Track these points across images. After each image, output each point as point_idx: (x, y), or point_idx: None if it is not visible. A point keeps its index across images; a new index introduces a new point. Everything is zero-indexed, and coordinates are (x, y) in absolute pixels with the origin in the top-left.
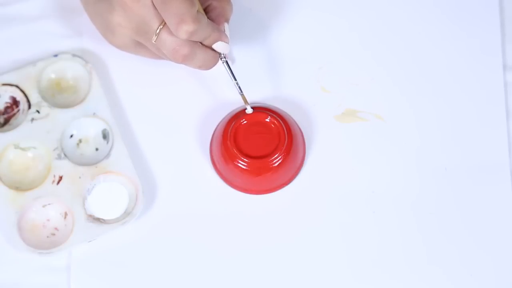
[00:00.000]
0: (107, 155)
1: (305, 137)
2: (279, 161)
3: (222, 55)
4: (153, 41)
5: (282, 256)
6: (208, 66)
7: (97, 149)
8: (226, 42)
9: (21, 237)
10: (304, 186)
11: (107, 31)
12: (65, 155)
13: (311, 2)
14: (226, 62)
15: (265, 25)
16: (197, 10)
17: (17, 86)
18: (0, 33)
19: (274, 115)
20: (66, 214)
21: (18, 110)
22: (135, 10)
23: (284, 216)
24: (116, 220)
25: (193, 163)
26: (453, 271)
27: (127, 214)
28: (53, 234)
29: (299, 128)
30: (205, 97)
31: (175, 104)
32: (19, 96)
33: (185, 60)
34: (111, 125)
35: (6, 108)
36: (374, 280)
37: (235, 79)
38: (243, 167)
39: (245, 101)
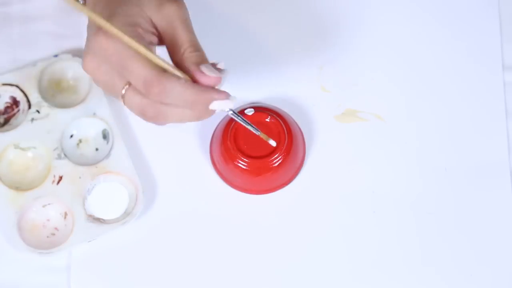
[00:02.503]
0: (107, 155)
1: (305, 137)
2: (279, 161)
3: (229, 111)
4: (123, 104)
5: (282, 256)
6: (195, 119)
7: (97, 149)
8: (222, 99)
9: (21, 237)
10: (304, 186)
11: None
12: (65, 155)
13: (311, 2)
14: (234, 112)
15: (265, 25)
16: (167, 71)
17: (17, 86)
18: (0, 33)
19: (274, 115)
20: (66, 214)
21: (18, 110)
22: (99, 76)
23: (284, 216)
24: (116, 220)
25: (193, 163)
26: (453, 271)
27: (127, 214)
28: (53, 234)
29: (299, 128)
30: None
31: None
32: (19, 96)
33: (154, 120)
34: (111, 125)
35: (6, 108)
36: (374, 280)
37: (250, 125)
38: (243, 167)
39: (267, 139)
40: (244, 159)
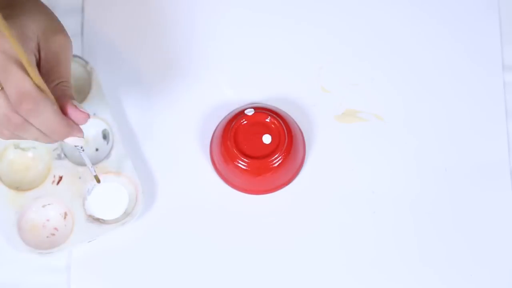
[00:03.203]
0: (107, 156)
1: (305, 137)
2: (279, 161)
3: (79, 147)
4: None
5: (282, 256)
6: (45, 142)
7: (97, 150)
8: (78, 136)
9: (21, 237)
10: (304, 186)
11: None
12: (65, 155)
13: (311, 2)
14: (83, 149)
15: (265, 24)
16: (45, 93)
17: None
18: None
19: (274, 115)
20: (66, 214)
21: None
22: None
23: (284, 216)
24: (116, 221)
25: (193, 163)
26: (453, 271)
27: (127, 214)
28: (53, 234)
29: (299, 128)
30: (205, 97)
31: (176, 105)
32: None
33: (16, 129)
34: (111, 125)
35: None
36: (374, 280)
37: (91, 166)
38: (243, 167)
39: (98, 181)
40: (244, 159)
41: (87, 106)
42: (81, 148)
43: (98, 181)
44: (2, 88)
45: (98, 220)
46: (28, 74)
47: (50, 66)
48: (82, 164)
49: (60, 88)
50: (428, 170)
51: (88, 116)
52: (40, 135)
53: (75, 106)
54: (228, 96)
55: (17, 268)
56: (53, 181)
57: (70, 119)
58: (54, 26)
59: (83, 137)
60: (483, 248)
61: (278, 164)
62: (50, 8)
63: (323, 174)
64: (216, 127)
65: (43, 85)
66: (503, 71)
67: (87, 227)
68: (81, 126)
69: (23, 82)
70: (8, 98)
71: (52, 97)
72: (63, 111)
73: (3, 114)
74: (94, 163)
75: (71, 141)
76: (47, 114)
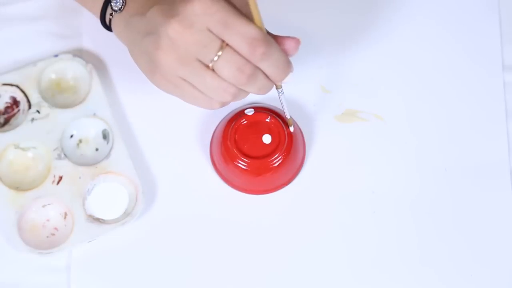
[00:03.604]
0: (107, 155)
1: (305, 137)
2: (279, 161)
3: (280, 90)
4: (210, 64)
5: (282, 256)
6: (265, 91)
7: (97, 149)
8: (293, 71)
9: (21, 237)
10: (304, 186)
11: (152, 69)
12: (65, 155)
13: (311, 2)
14: (283, 93)
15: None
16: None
17: (17, 86)
18: (0, 33)
19: (274, 115)
20: (66, 214)
21: (18, 110)
22: (187, 38)
23: (284, 216)
24: (116, 220)
25: (193, 163)
26: (453, 271)
27: (127, 214)
28: (53, 234)
29: (299, 128)
30: None
31: (175, 105)
32: (20, 96)
33: (249, 80)
34: (111, 125)
35: (6, 108)
36: (374, 280)
37: (287, 109)
38: (243, 167)
39: (291, 124)
40: (244, 159)
41: (87, 106)
42: (281, 91)
43: (291, 124)
44: (227, 45)
45: (98, 220)
46: (251, 21)
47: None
48: (82, 164)
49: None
50: (428, 170)
51: (299, 40)
52: (265, 82)
53: (284, 36)
54: None
55: (17, 268)
56: (53, 181)
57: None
58: None
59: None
60: (483, 248)
61: (278, 164)
62: (50, 8)
63: (323, 174)
64: (216, 127)
65: (264, 28)
66: (503, 71)
67: (87, 227)
68: (81, 126)
69: (250, 29)
70: (237, 50)
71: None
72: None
73: (236, 69)
74: (94, 163)
75: (290, 78)
76: (277, 53)
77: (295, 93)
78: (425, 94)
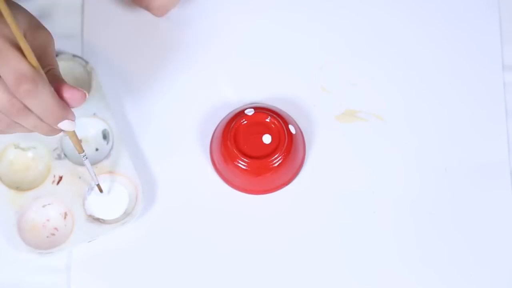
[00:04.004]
0: (107, 155)
1: (305, 137)
2: (279, 161)
3: (84, 156)
4: None
5: (282, 256)
6: (45, 131)
7: (97, 149)
8: (72, 120)
9: (21, 237)
10: (304, 186)
11: None
12: (65, 155)
13: (311, 2)
14: (86, 157)
15: (265, 24)
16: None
17: None
18: None
19: (274, 115)
20: (66, 214)
21: None
22: None
23: (284, 216)
24: (116, 220)
25: (193, 163)
26: (453, 271)
27: (127, 214)
28: (53, 234)
29: (299, 128)
30: (205, 97)
31: (175, 104)
32: None
33: (19, 114)
34: (111, 125)
35: None
36: (374, 280)
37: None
38: (243, 167)
39: (101, 190)
40: (244, 159)
41: (87, 106)
42: (84, 155)
43: (101, 190)
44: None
45: (98, 220)
46: (25, 57)
47: (37, 57)
48: (82, 164)
49: (52, 73)
50: (428, 170)
51: (85, 94)
52: (38, 122)
53: (71, 86)
54: (228, 96)
55: (17, 268)
56: (53, 181)
57: (65, 101)
58: (37, 22)
59: (74, 120)
60: (483, 248)
61: (278, 164)
62: (50, 8)
63: (323, 174)
64: (216, 127)
65: (39, 68)
66: (503, 71)
67: (87, 227)
68: (81, 126)
69: (20, 64)
70: (4, 86)
71: (47, 79)
72: (58, 94)
73: (7, 101)
74: (94, 163)
75: (65, 125)
76: (45, 94)
77: (295, 93)
78: (425, 94)
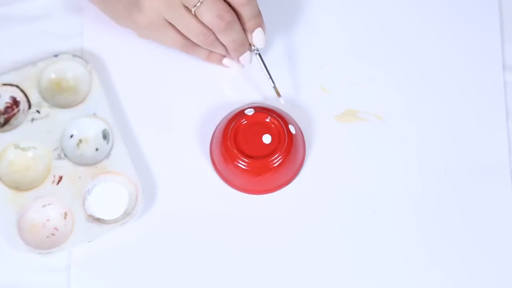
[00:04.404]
0: (107, 155)
1: (305, 137)
2: (279, 161)
3: (255, 48)
4: (193, 9)
5: (282, 256)
6: (239, 46)
7: (97, 149)
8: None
9: (21, 237)
10: (304, 186)
11: (133, 7)
12: (65, 155)
13: (311, 2)
14: (259, 55)
15: (265, 25)
16: None
17: (17, 86)
18: (0, 33)
19: (274, 115)
20: (66, 214)
21: (18, 110)
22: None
23: (284, 216)
24: (116, 220)
25: (193, 163)
26: (453, 271)
27: (127, 214)
28: (53, 234)
29: (299, 128)
30: (205, 97)
31: (175, 104)
32: (19, 96)
33: (227, 27)
34: (111, 125)
35: (6, 108)
36: (375, 280)
37: (268, 73)
38: (243, 167)
39: (278, 94)
40: (244, 159)
41: (87, 106)
42: (256, 51)
43: (278, 94)
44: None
45: (98, 220)
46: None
47: None
48: (82, 164)
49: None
50: (428, 170)
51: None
52: (242, 34)
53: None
54: (228, 96)
55: (17, 268)
56: (53, 181)
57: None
58: None
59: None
60: (483, 247)
61: (278, 164)
62: (50, 8)
63: (323, 174)
64: (216, 127)
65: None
66: (503, 70)
67: (87, 227)
68: (81, 126)
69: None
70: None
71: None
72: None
73: (217, 15)
74: (94, 163)
75: (258, 34)
76: (239, 28)
77: (295, 93)
78: (425, 94)
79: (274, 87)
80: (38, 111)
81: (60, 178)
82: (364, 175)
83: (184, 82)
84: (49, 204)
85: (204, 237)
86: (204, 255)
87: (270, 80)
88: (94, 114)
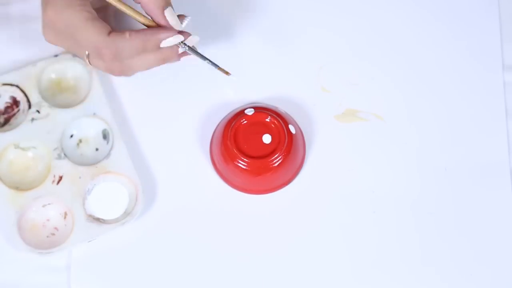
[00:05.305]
0: (107, 155)
1: (305, 137)
2: (279, 161)
3: (181, 43)
4: (88, 66)
5: (282, 256)
6: (160, 62)
7: (97, 149)
8: (171, 35)
9: (21, 237)
10: (304, 186)
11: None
12: (65, 155)
13: (311, 3)
14: (188, 46)
15: (266, 25)
16: (111, 31)
17: (17, 86)
18: (0, 33)
19: (274, 115)
20: (66, 214)
21: (18, 110)
22: (61, 45)
23: (284, 216)
24: (116, 220)
25: (193, 163)
26: (453, 271)
27: (127, 214)
28: (53, 234)
29: (299, 128)
30: (205, 97)
31: (175, 104)
32: (20, 96)
33: (123, 73)
34: (111, 125)
35: (6, 108)
36: (374, 280)
37: (206, 58)
38: (243, 167)
39: (226, 72)
40: (244, 159)
41: (87, 106)
42: (186, 47)
43: (227, 73)
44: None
45: (98, 219)
46: (91, 29)
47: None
48: (82, 164)
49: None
50: (428, 170)
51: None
52: (145, 60)
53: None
54: (228, 96)
55: (17, 268)
56: (53, 181)
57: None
58: None
59: (176, 34)
60: (483, 247)
61: (278, 164)
62: None
63: (323, 174)
64: (216, 127)
65: (130, 12)
66: (503, 70)
67: (87, 226)
68: (81, 126)
69: (90, 39)
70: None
71: (138, 17)
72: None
73: (106, 69)
74: (94, 163)
75: (166, 43)
76: (125, 44)
77: (295, 93)
78: (425, 94)
79: (219, 68)
80: (38, 111)
81: (60, 178)
82: (364, 175)
83: (184, 82)
84: (49, 204)
85: (204, 237)
86: (204, 255)
87: (211, 64)
88: (94, 114)
